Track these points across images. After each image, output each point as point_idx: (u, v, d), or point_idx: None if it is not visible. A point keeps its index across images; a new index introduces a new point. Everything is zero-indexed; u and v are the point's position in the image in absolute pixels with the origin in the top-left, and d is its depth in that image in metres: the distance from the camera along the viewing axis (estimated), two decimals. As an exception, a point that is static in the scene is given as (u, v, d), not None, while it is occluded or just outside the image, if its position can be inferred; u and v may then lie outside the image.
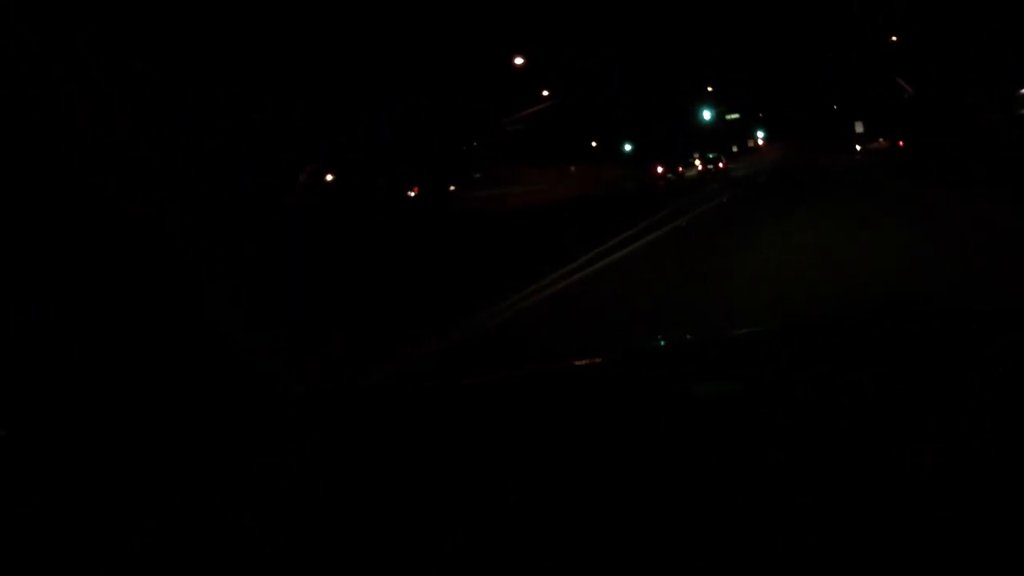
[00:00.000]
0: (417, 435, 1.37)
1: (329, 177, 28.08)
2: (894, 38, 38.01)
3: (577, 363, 1.77)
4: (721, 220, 14.65)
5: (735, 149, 63.31)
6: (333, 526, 1.08)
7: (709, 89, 59.11)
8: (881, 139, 45.50)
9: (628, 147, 52.25)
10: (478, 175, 39.93)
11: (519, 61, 37.55)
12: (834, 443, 1.24)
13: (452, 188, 35.52)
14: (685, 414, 1.45)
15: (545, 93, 41.71)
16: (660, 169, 41.26)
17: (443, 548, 1.08)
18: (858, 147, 47.19)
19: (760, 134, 68.65)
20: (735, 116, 61.02)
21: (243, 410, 1.15)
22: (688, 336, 1.96)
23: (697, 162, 42.83)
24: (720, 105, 60.35)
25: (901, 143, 35.93)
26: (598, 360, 1.79)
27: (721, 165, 42.60)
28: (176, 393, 1.08)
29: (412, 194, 33.27)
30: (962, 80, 25.30)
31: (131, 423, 1.02)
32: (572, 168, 43.99)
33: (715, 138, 56.40)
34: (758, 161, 49.83)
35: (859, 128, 50.51)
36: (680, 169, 42.76)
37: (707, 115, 57.98)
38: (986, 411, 1.27)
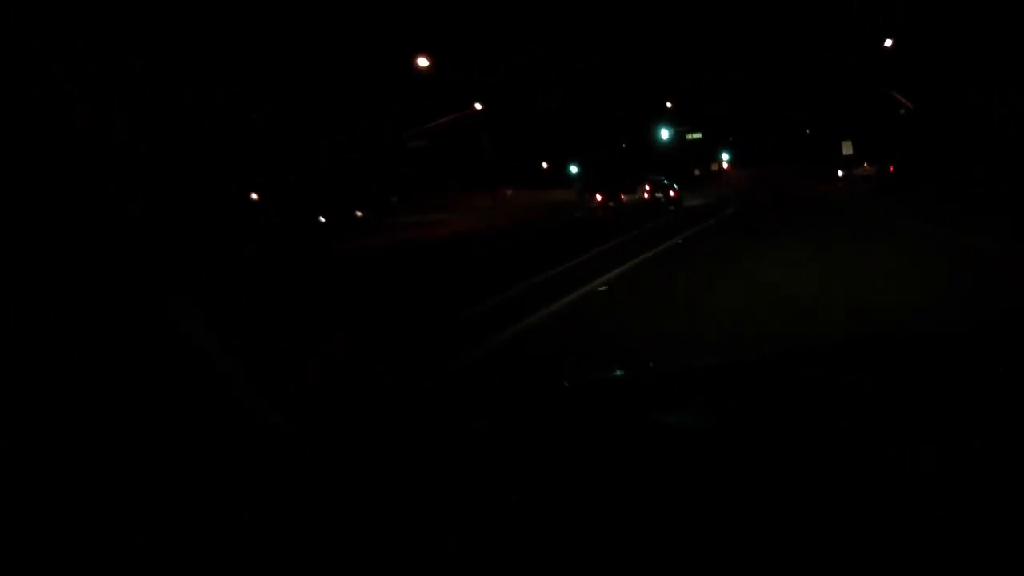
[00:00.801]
0: (417, 435, 1.37)
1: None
2: (889, 42, 33.56)
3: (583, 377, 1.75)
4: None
5: (697, 173, 55.70)
6: (333, 526, 1.08)
7: (668, 105, 52.32)
8: (866, 164, 39.02)
9: (574, 169, 46.85)
10: (394, 199, 35.72)
11: (423, 63, 30.24)
12: (833, 444, 1.24)
13: (359, 214, 31.56)
14: (680, 427, 1.44)
15: (479, 106, 36.93)
16: (599, 198, 36.79)
17: (443, 548, 1.08)
18: (840, 172, 39.32)
19: (725, 157, 59.84)
20: (697, 136, 53.54)
21: (244, 410, 1.15)
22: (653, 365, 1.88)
23: (646, 190, 35.86)
24: (680, 123, 52.58)
25: (892, 168, 31.57)
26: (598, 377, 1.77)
27: (672, 194, 35.22)
28: (176, 394, 1.07)
29: (323, 220, 29.00)
30: (963, 81, 24.20)
31: (131, 423, 1.02)
32: (509, 192, 40.33)
33: (673, 160, 48.36)
34: (721, 188, 42.10)
35: (847, 149, 42.05)
36: (623, 197, 37.53)
37: (664, 134, 50.83)
38: (986, 411, 1.27)
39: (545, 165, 46.49)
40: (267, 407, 1.16)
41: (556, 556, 1.06)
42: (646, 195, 35.28)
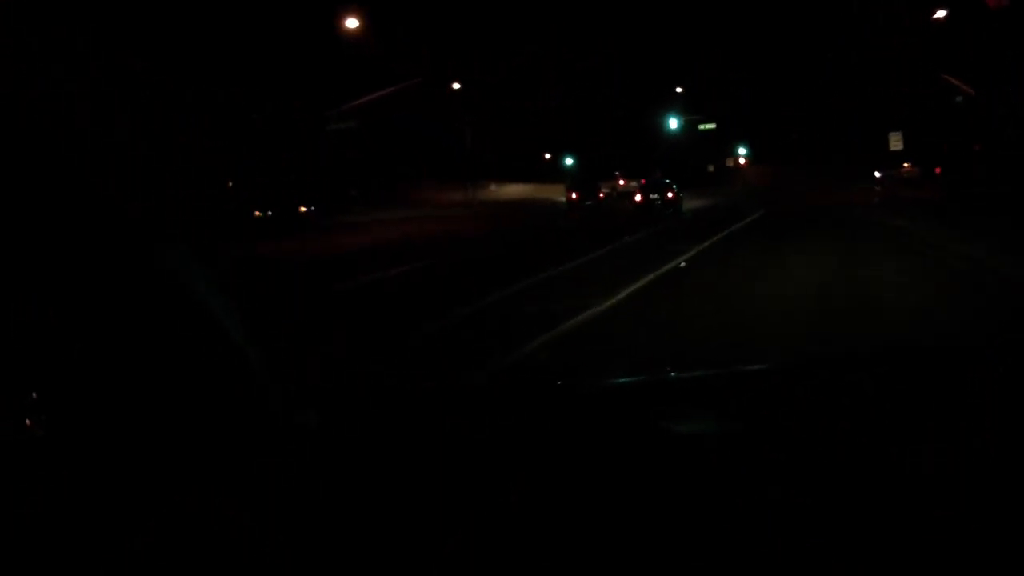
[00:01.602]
0: (417, 435, 1.37)
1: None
2: (942, 13, 26.04)
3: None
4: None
5: (711, 169, 49.45)
6: (334, 525, 1.08)
7: (679, 90, 46.28)
8: (907, 164, 32.82)
9: (569, 161, 42.93)
10: (354, 192, 32.53)
11: (352, 24, 25.09)
12: (834, 444, 1.24)
13: (303, 210, 28.49)
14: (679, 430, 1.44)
15: (456, 86, 32.21)
16: (574, 196, 34.01)
17: (443, 548, 1.08)
18: (878, 174, 31.87)
19: (742, 151, 52.24)
20: (711, 126, 46.59)
21: (244, 409, 1.15)
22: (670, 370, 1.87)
23: (619, 186, 32.04)
24: (692, 112, 45.61)
25: (938, 169, 26.34)
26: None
27: (670, 195, 29.29)
28: (176, 393, 1.07)
29: (259, 214, 25.59)
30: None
31: (131, 422, 1.02)
32: (492, 187, 37.88)
33: (683, 155, 42.70)
34: (734, 189, 36.25)
35: (895, 143, 34.17)
36: (601, 196, 34.41)
37: (673, 124, 44.37)
38: (986, 411, 1.27)
39: (548, 156, 44.26)
40: (296, 405, 1.17)
41: (556, 556, 1.06)
42: (638, 196, 30.74)
